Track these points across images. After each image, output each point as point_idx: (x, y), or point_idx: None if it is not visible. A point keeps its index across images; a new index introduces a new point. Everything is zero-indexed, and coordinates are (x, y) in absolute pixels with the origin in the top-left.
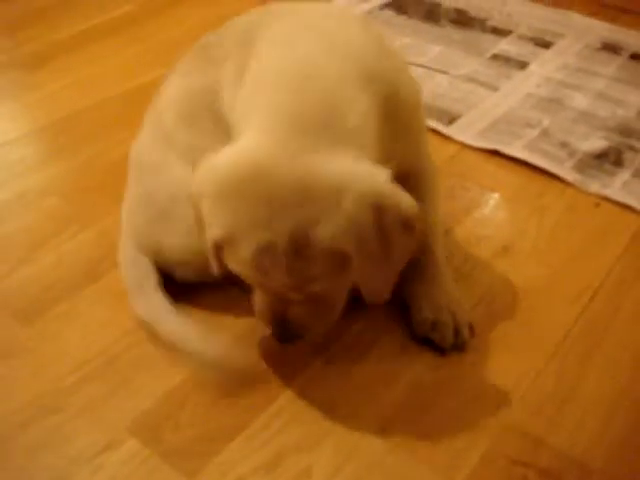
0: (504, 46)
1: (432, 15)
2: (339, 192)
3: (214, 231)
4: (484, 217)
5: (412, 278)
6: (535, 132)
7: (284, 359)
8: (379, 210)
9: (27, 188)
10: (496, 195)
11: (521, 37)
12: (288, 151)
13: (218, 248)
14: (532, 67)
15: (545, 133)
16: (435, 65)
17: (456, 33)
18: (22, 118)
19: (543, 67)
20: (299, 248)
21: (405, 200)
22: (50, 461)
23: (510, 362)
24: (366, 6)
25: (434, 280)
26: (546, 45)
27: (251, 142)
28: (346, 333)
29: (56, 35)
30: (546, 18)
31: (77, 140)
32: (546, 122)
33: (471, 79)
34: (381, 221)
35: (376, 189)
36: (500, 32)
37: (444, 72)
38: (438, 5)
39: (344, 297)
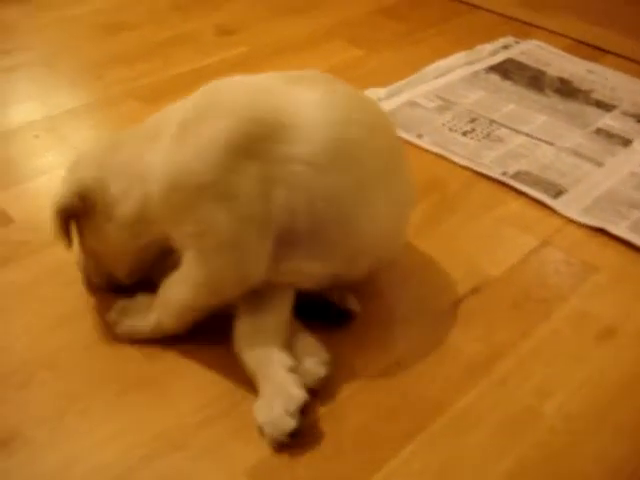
0: (608, 121)
1: (536, 82)
2: None
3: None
4: (589, 296)
5: None
6: (639, 213)
7: (397, 417)
8: None
9: None
10: (600, 274)
11: (624, 113)
12: None
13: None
14: (635, 145)
15: None
16: (540, 135)
17: (560, 103)
18: None
19: None
20: None
21: None
22: None
23: (615, 443)
24: (472, 68)
25: None
26: None
27: None
28: (455, 404)
29: (172, 70)
30: None
31: None
32: None
33: (576, 152)
34: None
35: None
36: (604, 106)
37: (550, 143)
38: (543, 73)
39: None
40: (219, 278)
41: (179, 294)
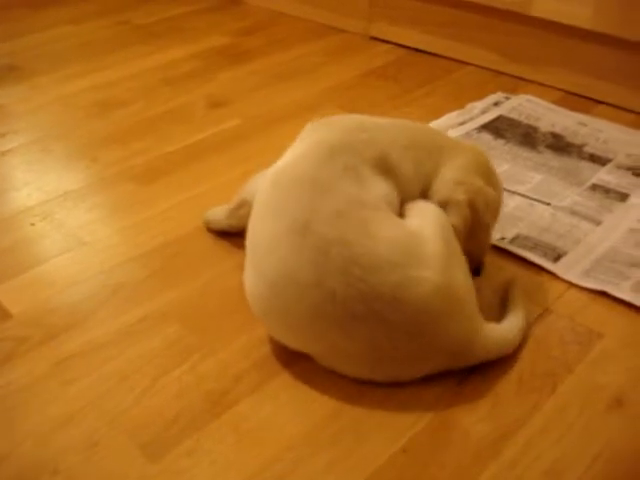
0: (603, 176)
1: (529, 139)
2: None
3: None
4: (595, 365)
5: None
6: None
7: None
8: None
9: (148, 312)
10: (605, 341)
11: (619, 166)
12: None
13: None
14: (632, 199)
15: None
16: (536, 195)
17: (554, 159)
18: (139, 235)
19: None
20: None
21: None
22: None
23: None
24: (464, 128)
25: None
26: None
27: None
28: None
29: (166, 148)
30: None
31: (192, 264)
32: None
33: (573, 212)
34: None
35: None
36: (598, 160)
37: (546, 203)
38: (535, 129)
39: None
40: None
41: None
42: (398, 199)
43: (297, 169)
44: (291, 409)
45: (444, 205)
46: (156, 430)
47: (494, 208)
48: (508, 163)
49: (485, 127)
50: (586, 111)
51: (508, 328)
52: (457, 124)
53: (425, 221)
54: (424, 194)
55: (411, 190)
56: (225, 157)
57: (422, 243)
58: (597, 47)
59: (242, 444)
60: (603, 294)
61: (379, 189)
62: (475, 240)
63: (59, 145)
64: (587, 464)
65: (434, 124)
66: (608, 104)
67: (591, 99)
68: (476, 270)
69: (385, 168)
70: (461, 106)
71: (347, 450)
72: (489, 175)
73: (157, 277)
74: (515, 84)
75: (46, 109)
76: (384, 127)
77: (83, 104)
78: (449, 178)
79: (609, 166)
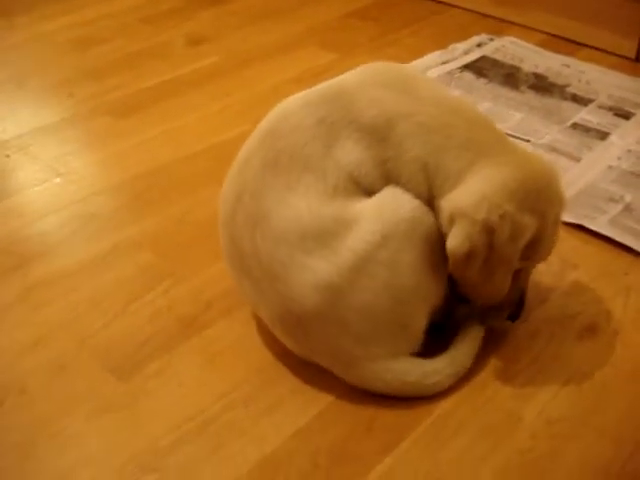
0: (584, 115)
1: (511, 79)
2: None
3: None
4: (568, 295)
5: None
6: (619, 207)
7: (375, 429)
8: None
9: (121, 240)
10: (580, 272)
11: (601, 106)
12: None
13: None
14: (612, 138)
15: (628, 208)
16: (517, 133)
17: (536, 99)
18: (113, 167)
19: (623, 139)
20: None
21: None
22: None
23: (599, 445)
24: (446, 67)
25: None
26: (626, 115)
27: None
28: (434, 411)
29: (143, 83)
30: (625, 87)
31: (166, 194)
32: (628, 197)
33: (553, 149)
34: None
35: None
36: (580, 100)
37: (526, 140)
38: (518, 69)
39: None
40: None
41: None
42: (378, 173)
43: (297, 99)
44: (260, 334)
45: (454, 219)
46: (126, 352)
47: (526, 241)
48: (489, 102)
49: (467, 67)
50: (570, 54)
51: (432, 370)
52: (439, 63)
53: (375, 213)
54: (433, 191)
55: (407, 175)
56: (202, 93)
57: (344, 233)
58: None
59: (211, 366)
60: (580, 228)
61: (348, 156)
62: (494, 277)
63: (35, 81)
64: (556, 390)
65: (415, 64)
66: (592, 47)
67: (575, 42)
68: (510, 316)
69: (380, 136)
70: (444, 47)
71: (316, 374)
72: (538, 200)
73: (130, 207)
74: (500, 27)
75: (22, 47)
76: (417, 95)
77: (60, 42)
78: (475, 188)
79: (591, 106)
